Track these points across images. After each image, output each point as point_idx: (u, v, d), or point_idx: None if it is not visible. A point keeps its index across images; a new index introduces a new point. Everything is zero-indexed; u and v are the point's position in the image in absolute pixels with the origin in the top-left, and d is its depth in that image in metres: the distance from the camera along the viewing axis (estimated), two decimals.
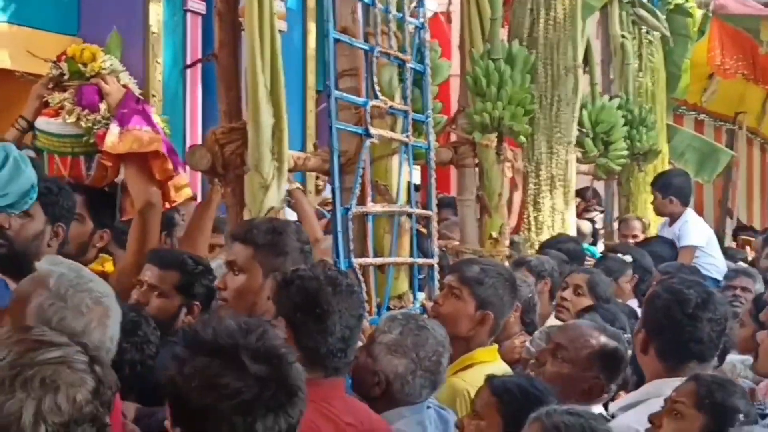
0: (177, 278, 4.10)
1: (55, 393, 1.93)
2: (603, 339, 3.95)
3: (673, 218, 8.58)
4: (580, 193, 9.67)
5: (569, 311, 5.55)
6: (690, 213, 8.75)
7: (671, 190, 8.54)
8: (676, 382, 3.49)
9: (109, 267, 4.40)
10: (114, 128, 4.29)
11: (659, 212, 8.74)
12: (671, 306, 3.74)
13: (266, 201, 4.49)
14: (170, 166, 4.35)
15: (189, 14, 8.22)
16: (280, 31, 8.90)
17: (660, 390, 3.55)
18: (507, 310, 4.51)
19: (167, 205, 4.52)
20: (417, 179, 6.04)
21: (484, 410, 3.41)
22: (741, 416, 3.24)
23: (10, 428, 1.90)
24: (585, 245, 8.32)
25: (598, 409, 3.87)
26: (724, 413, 3.24)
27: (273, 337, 2.36)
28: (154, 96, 7.84)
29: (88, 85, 4.44)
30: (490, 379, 3.50)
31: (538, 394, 3.36)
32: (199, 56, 7.61)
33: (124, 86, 4.50)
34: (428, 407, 3.83)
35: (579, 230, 8.94)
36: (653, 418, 3.35)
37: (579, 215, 10.59)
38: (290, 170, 4.96)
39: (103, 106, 4.38)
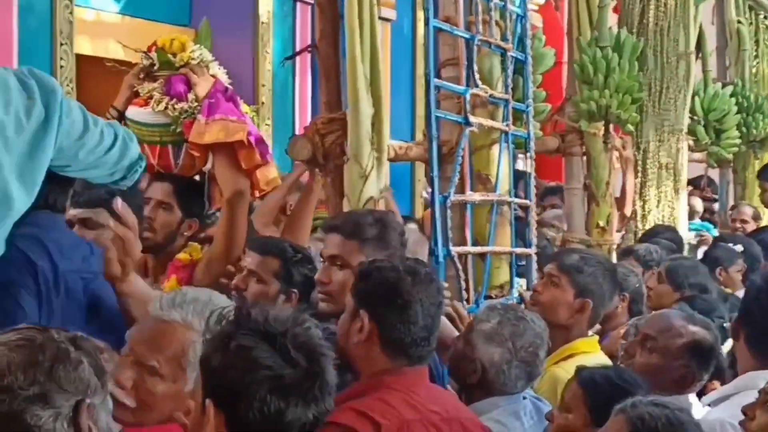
0: (276, 265, 4.12)
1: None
2: (691, 328, 3.91)
3: None
4: (693, 181, 9.53)
5: (651, 299, 5.49)
6: None
7: None
8: None
9: (197, 255, 4.41)
10: (201, 118, 4.29)
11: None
12: (762, 294, 3.69)
13: (365, 191, 4.52)
14: (257, 155, 4.33)
15: (298, 4, 8.32)
16: (389, 19, 9.05)
17: (753, 382, 3.49)
18: (607, 299, 4.49)
19: (256, 194, 4.51)
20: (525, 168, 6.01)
21: (572, 402, 3.40)
22: None
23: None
24: (698, 222, 8.20)
25: (691, 399, 3.84)
26: None
27: (318, 335, 2.42)
28: (263, 86, 7.96)
29: (176, 75, 4.45)
30: (578, 371, 3.49)
31: (626, 386, 3.31)
32: (306, 46, 7.65)
33: (213, 76, 4.50)
34: (524, 398, 3.83)
35: (691, 207, 8.83)
36: (747, 410, 3.30)
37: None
38: (392, 160, 4.99)
39: (190, 96, 4.37)
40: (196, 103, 4.35)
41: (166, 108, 4.38)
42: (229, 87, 4.49)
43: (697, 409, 3.86)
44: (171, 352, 2.75)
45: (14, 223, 3.08)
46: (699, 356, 3.88)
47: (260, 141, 4.41)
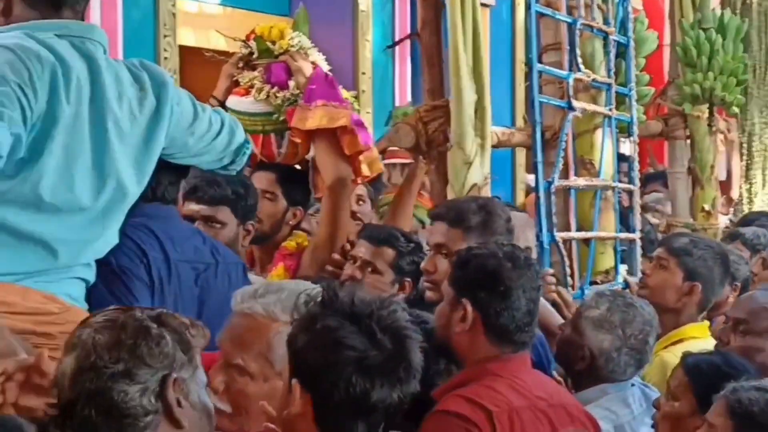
0: (391, 255, 4.10)
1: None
2: None
3: None
4: None
5: (756, 285, 5.39)
6: None
7: None
8: None
9: (304, 243, 4.37)
10: (302, 104, 4.23)
11: None
12: None
13: (469, 177, 4.53)
14: (360, 141, 4.25)
15: None
16: (487, 5, 9.02)
17: None
18: (717, 284, 4.43)
19: (359, 181, 4.45)
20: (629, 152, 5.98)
21: (678, 390, 3.35)
22: None
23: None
24: None
25: None
26: None
27: (404, 317, 2.43)
28: (363, 74, 7.99)
29: (276, 62, 4.37)
30: (684, 358, 3.44)
31: (733, 372, 3.23)
32: (408, 34, 7.67)
33: (313, 63, 4.41)
34: (632, 385, 3.80)
35: None
36: None
37: None
38: (495, 146, 5.00)
39: (292, 84, 4.31)
40: (297, 91, 4.30)
41: (267, 96, 4.33)
42: (329, 73, 4.44)
43: None
44: (256, 349, 2.66)
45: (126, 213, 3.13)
46: None
47: (362, 127, 4.36)
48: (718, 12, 6.74)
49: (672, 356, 3.99)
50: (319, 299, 2.43)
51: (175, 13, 6.77)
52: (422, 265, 3.88)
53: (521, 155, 8.93)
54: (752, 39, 7.24)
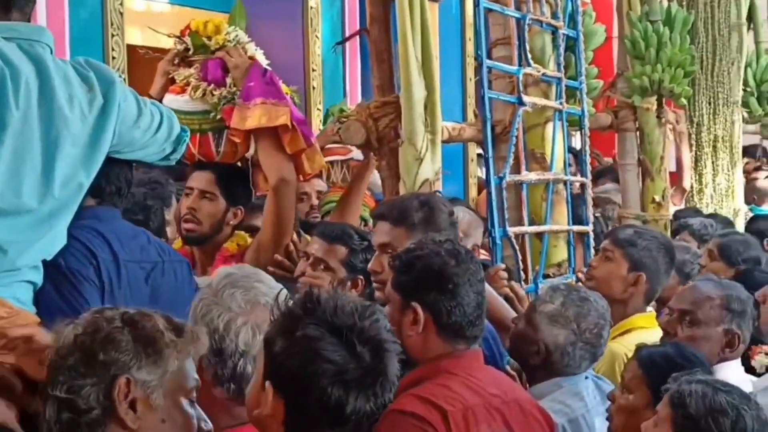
0: (344, 252, 4.07)
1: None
2: (721, 291, 3.91)
3: None
4: (747, 151, 9.43)
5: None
6: None
7: None
8: None
9: (245, 244, 4.32)
10: (241, 103, 4.16)
11: None
12: None
13: (420, 173, 4.52)
14: (302, 138, 4.20)
15: None
16: (436, 0, 8.99)
17: None
18: (663, 274, 4.46)
19: (301, 178, 4.41)
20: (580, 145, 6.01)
21: (632, 383, 3.37)
22: None
23: None
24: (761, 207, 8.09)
25: (735, 365, 3.83)
26: None
27: (385, 327, 2.42)
28: (314, 70, 7.95)
29: (212, 59, 4.31)
30: (638, 350, 3.46)
31: (686, 364, 3.28)
32: (356, 30, 7.64)
33: (251, 58, 4.35)
34: (586, 377, 3.82)
35: (763, 191, 8.72)
36: None
37: (748, 175, 10.34)
38: (446, 141, 4.99)
39: (229, 80, 4.25)
40: (234, 88, 4.22)
41: (204, 95, 4.26)
42: (268, 69, 4.35)
43: (744, 378, 3.84)
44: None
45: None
46: (737, 315, 3.86)
47: (303, 123, 4.30)
48: (665, 4, 6.78)
49: (620, 347, 4.03)
50: (300, 303, 2.41)
51: (122, 12, 6.70)
52: (369, 266, 3.84)
53: (473, 150, 8.93)
54: (699, 31, 7.30)
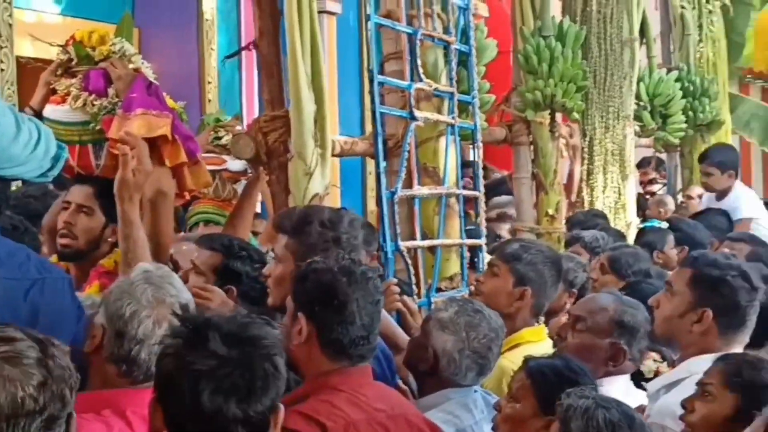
0: (218, 260, 4.07)
1: None
2: (616, 305, 3.94)
3: (725, 192, 8.32)
4: (639, 163, 9.58)
5: (596, 290, 5.50)
6: (741, 185, 8.58)
7: (729, 165, 8.37)
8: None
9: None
10: (120, 113, 4.04)
11: (714, 189, 8.32)
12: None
13: (310, 188, 4.51)
14: (183, 152, 4.09)
15: (242, 0, 8.28)
16: (334, 13, 9.02)
17: (702, 366, 3.51)
18: (549, 287, 4.49)
19: (186, 195, 4.33)
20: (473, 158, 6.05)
21: (520, 392, 3.42)
22: None
23: None
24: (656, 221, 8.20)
25: (623, 380, 3.88)
26: (757, 391, 3.20)
27: (256, 326, 2.45)
28: (209, 83, 7.93)
29: (95, 69, 4.18)
30: (526, 361, 3.51)
31: (573, 376, 3.34)
32: (245, 44, 7.61)
33: (136, 70, 4.23)
34: (475, 391, 3.85)
35: (664, 203, 8.84)
36: (685, 403, 3.33)
37: (644, 187, 10.51)
38: (337, 155, 4.99)
39: (111, 91, 4.12)
40: (116, 99, 4.11)
41: (84, 105, 4.13)
42: (154, 81, 4.25)
43: (632, 392, 3.89)
44: None
45: None
46: (626, 332, 3.88)
47: (189, 138, 4.21)
48: (558, 20, 6.86)
49: (508, 362, 4.05)
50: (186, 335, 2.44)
51: (11, 23, 6.60)
52: (264, 270, 3.89)
53: (371, 163, 8.95)
54: (592, 46, 7.39)
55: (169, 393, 2.40)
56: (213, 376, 2.35)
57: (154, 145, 4.03)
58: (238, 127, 5.51)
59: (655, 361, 4.18)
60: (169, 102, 4.28)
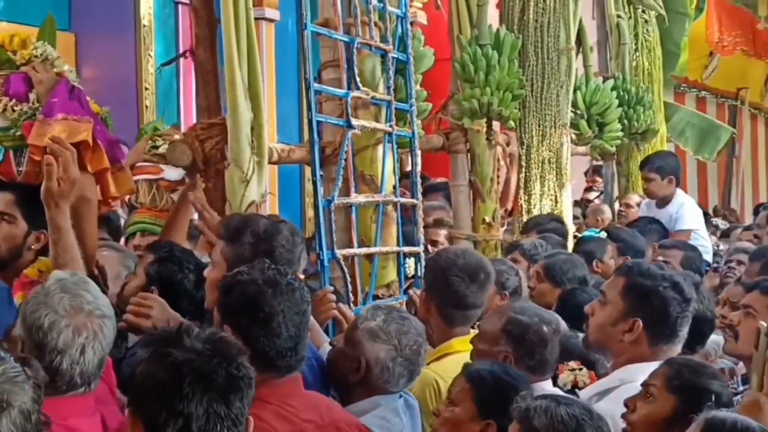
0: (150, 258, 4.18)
1: (9, 412, 2.14)
2: (512, 315, 3.96)
3: (666, 200, 8.45)
4: (587, 171, 9.67)
5: (534, 298, 5.55)
6: (683, 194, 8.71)
7: (669, 170, 8.47)
8: (651, 366, 3.52)
9: (46, 270, 3.94)
10: (41, 118, 3.98)
11: (655, 194, 8.46)
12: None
13: (247, 195, 4.50)
14: (105, 158, 4.04)
15: (180, 6, 8.25)
16: (272, 20, 9.00)
17: (633, 375, 3.57)
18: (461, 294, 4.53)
19: (111, 203, 4.28)
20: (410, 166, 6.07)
21: (459, 397, 3.46)
22: (713, 397, 3.27)
23: None
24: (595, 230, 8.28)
25: (546, 385, 3.91)
26: (695, 395, 3.28)
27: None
28: (147, 89, 7.88)
29: (16, 73, 4.12)
30: (465, 366, 3.55)
31: (512, 382, 3.43)
32: (182, 52, 7.59)
33: (59, 74, 4.16)
34: (400, 396, 3.87)
35: (602, 212, 8.91)
36: (628, 402, 3.39)
37: (583, 195, 10.61)
38: (274, 163, 4.99)
39: (32, 96, 4.06)
40: (37, 104, 4.05)
41: (4, 110, 4.06)
42: (77, 86, 4.19)
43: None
44: None
45: None
46: (517, 341, 3.89)
47: (114, 144, 4.17)
48: (495, 28, 6.90)
49: (430, 372, 4.12)
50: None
51: None
52: (205, 271, 3.91)
53: (309, 170, 8.93)
54: (529, 54, 7.44)
55: (149, 394, 2.44)
56: (192, 366, 2.42)
57: (77, 150, 3.94)
58: (177, 136, 5.36)
59: (572, 370, 4.20)
60: (94, 106, 4.23)
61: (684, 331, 3.77)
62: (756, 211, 12.63)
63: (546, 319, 3.98)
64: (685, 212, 8.37)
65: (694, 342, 4.16)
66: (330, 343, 3.98)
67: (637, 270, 3.82)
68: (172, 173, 5.40)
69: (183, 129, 8.03)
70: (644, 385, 3.40)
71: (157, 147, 5.45)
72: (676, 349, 3.75)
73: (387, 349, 3.78)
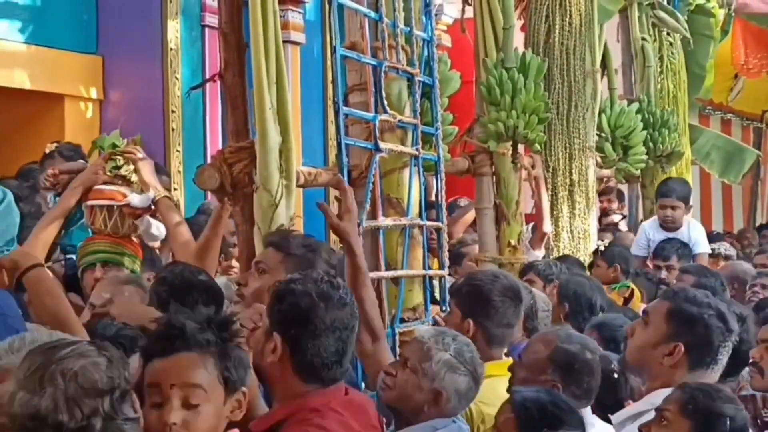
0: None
1: (75, 379, 2.33)
2: (559, 344, 3.95)
3: (678, 225, 8.38)
4: (602, 191, 9.64)
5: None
6: (693, 219, 8.72)
7: (688, 198, 8.49)
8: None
9: None
10: None
11: (678, 223, 8.36)
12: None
13: (276, 219, 4.51)
14: None
15: (207, 29, 8.29)
16: (298, 43, 9.04)
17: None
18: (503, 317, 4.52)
19: None
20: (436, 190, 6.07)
21: (504, 426, 3.43)
22: (728, 421, 3.26)
23: (48, 418, 2.30)
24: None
25: (587, 413, 3.89)
26: (710, 419, 3.28)
27: None
28: (173, 112, 7.91)
29: None
30: (513, 394, 3.52)
31: (557, 412, 3.37)
32: (218, 71, 7.60)
33: None
34: (453, 421, 3.85)
35: (624, 240, 8.85)
36: (643, 428, 3.39)
37: (599, 217, 10.57)
38: (301, 186, 5.00)
39: None
40: None
41: None
42: None
43: (597, 425, 3.92)
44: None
45: None
46: (565, 371, 3.88)
47: None
48: (521, 51, 6.91)
49: None
50: None
51: None
52: (235, 278, 4.12)
53: (335, 192, 8.95)
54: (555, 77, 7.46)
55: None
56: None
57: None
58: (140, 154, 5.14)
59: None
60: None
61: (723, 361, 3.76)
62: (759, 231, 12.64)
63: (591, 347, 3.98)
64: (699, 236, 8.36)
65: (729, 372, 4.14)
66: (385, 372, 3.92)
67: (683, 295, 3.83)
68: (138, 199, 5.11)
69: (209, 152, 8.09)
70: (659, 410, 3.40)
71: (118, 167, 5.15)
72: (714, 377, 3.74)
73: (467, 381, 3.79)
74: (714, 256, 9.03)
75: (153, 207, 5.12)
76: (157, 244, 5.61)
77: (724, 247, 9.64)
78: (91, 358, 2.37)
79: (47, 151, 6.90)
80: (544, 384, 3.83)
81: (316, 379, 3.21)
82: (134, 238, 5.29)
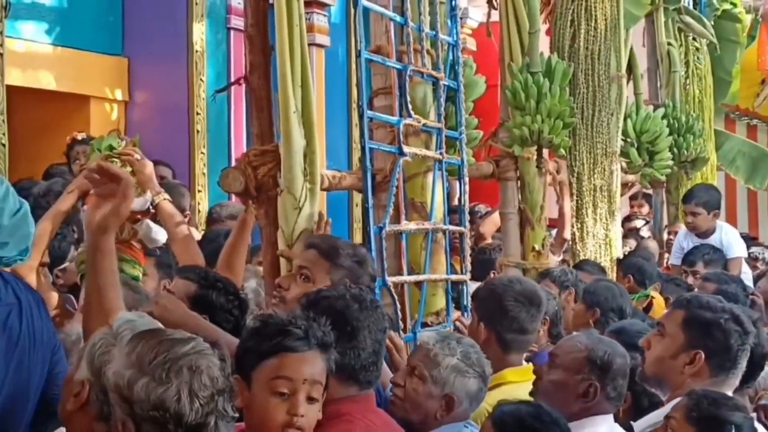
0: (192, 289, 4.02)
1: (200, 375, 2.47)
2: (598, 345, 3.91)
3: (709, 231, 8.38)
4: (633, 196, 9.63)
5: (569, 321, 5.56)
6: (725, 223, 8.69)
7: (714, 205, 8.45)
8: None
9: None
10: None
11: (699, 228, 8.41)
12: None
13: (299, 222, 4.52)
14: None
15: (232, 32, 8.31)
16: (323, 46, 9.05)
17: None
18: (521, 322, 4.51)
19: None
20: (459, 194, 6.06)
21: None
22: (733, 428, 3.27)
23: (171, 410, 2.44)
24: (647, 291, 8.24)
25: (606, 422, 3.86)
26: (715, 426, 3.29)
27: None
28: (198, 114, 7.93)
29: None
30: (496, 407, 3.47)
31: (537, 425, 3.28)
32: (243, 73, 7.61)
33: None
34: (465, 426, 3.85)
35: (648, 249, 8.82)
36: None
37: (631, 215, 10.55)
38: (325, 189, 4.98)
39: None
40: None
41: None
42: None
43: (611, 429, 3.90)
44: None
45: None
46: (600, 372, 3.84)
47: None
48: (546, 56, 6.90)
49: (483, 404, 4.05)
50: None
51: (2, 53, 6.62)
52: (277, 279, 4.04)
53: (358, 196, 8.96)
54: (580, 82, 7.43)
55: None
56: None
57: None
58: (137, 156, 5.06)
59: None
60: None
61: (743, 364, 3.76)
62: None
63: (621, 353, 3.95)
64: (732, 240, 8.33)
65: (747, 377, 4.13)
66: (394, 383, 3.91)
67: (696, 302, 3.82)
68: (137, 202, 4.96)
69: (234, 155, 8.11)
70: (666, 417, 3.40)
71: None
72: (734, 381, 3.74)
73: (477, 383, 3.80)
74: (753, 259, 9.00)
75: (152, 210, 5.08)
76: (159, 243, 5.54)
77: (759, 249, 9.60)
78: (211, 357, 2.51)
79: (79, 137, 6.83)
80: (578, 385, 3.82)
81: (354, 382, 3.28)
82: (135, 244, 5.21)
